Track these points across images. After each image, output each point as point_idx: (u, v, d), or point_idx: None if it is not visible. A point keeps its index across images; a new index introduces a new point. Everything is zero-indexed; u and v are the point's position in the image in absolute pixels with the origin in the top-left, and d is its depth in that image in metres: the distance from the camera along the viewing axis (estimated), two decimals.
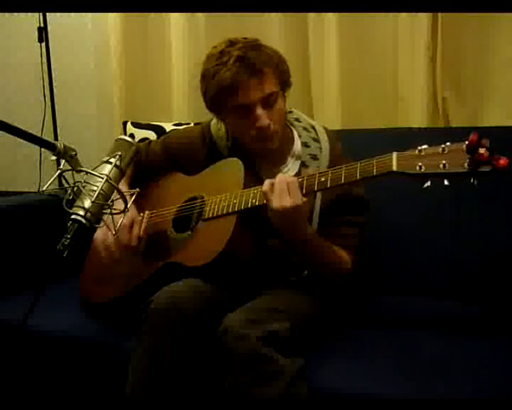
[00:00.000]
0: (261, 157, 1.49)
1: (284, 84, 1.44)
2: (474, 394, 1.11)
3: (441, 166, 1.09)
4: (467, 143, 1.07)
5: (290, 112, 1.57)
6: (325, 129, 1.54)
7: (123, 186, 1.51)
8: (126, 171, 1.09)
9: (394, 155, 1.16)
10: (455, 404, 1.10)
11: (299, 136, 1.51)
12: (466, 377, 1.16)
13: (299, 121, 1.54)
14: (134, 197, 1.11)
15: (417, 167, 1.12)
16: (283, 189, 1.25)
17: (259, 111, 1.37)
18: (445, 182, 1.10)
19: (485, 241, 1.59)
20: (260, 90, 1.37)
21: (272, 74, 1.39)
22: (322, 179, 1.26)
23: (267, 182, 1.28)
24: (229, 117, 1.44)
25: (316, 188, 1.26)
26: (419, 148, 1.13)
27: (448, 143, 1.11)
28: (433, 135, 1.75)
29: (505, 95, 1.82)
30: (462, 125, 1.86)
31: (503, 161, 1.05)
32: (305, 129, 1.52)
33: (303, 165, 1.46)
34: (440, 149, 1.11)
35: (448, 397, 1.11)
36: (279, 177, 1.28)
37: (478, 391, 1.12)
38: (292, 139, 1.51)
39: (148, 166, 1.63)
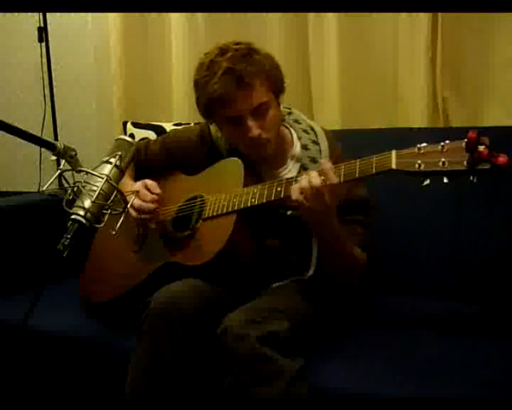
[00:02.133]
0: (261, 158, 1.49)
1: (277, 91, 1.43)
2: (473, 394, 1.11)
3: (440, 164, 1.09)
4: (466, 140, 1.07)
5: (290, 113, 1.57)
6: (324, 131, 1.53)
7: (128, 180, 1.51)
8: (126, 171, 1.09)
9: (393, 152, 1.16)
10: (455, 404, 1.10)
11: (299, 138, 1.50)
12: (466, 377, 1.16)
13: (299, 123, 1.54)
14: (134, 197, 1.11)
15: (416, 165, 1.12)
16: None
17: (250, 122, 1.37)
18: (445, 180, 1.10)
19: (485, 241, 1.59)
20: (249, 102, 1.36)
21: (262, 85, 1.37)
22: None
23: (296, 189, 1.25)
24: (222, 126, 1.46)
25: None
26: (418, 146, 1.13)
27: (447, 141, 1.11)
28: (433, 135, 1.73)
29: (505, 95, 1.81)
30: (462, 125, 1.86)
31: (502, 159, 1.05)
32: (304, 131, 1.51)
33: (303, 168, 1.45)
34: (440, 147, 1.11)
35: (448, 397, 1.11)
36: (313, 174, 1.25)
37: (478, 391, 1.11)
38: (291, 141, 1.51)
39: (146, 166, 1.63)
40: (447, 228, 1.64)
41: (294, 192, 1.25)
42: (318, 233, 1.34)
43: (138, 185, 1.51)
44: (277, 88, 1.42)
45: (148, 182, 1.51)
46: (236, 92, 1.35)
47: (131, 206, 1.44)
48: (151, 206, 1.47)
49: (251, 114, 1.37)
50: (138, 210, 1.47)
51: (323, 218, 1.26)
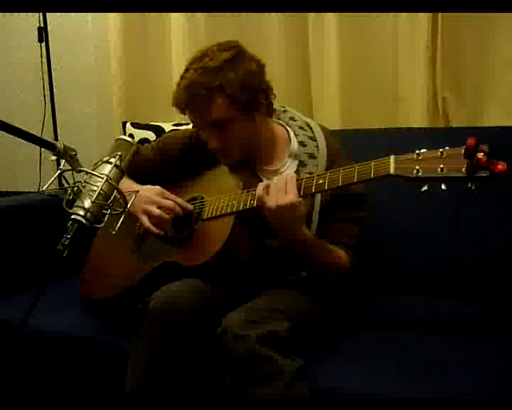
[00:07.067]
0: (259, 158, 1.49)
1: (245, 108, 1.39)
2: (473, 394, 1.11)
3: (439, 170, 1.09)
4: (465, 147, 1.06)
5: (284, 111, 1.57)
6: (321, 127, 1.53)
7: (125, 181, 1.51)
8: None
9: (392, 158, 1.16)
10: (455, 404, 1.10)
11: (296, 135, 1.50)
12: (466, 377, 1.16)
13: (295, 120, 1.54)
14: (134, 198, 1.11)
15: (414, 171, 1.11)
16: (281, 187, 1.25)
17: (205, 134, 1.42)
18: (443, 186, 1.10)
19: (485, 241, 1.59)
20: (205, 116, 1.39)
21: (223, 101, 1.36)
22: (320, 182, 1.26)
23: (261, 184, 1.29)
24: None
25: (313, 190, 1.26)
26: (417, 151, 1.13)
27: (447, 148, 1.10)
28: (433, 135, 1.75)
29: (505, 95, 1.81)
30: (462, 125, 1.86)
31: (500, 166, 1.03)
32: (301, 128, 1.51)
33: (301, 164, 1.45)
34: (438, 153, 1.11)
35: (448, 397, 1.11)
36: (278, 176, 1.29)
37: (478, 391, 1.12)
38: (288, 139, 1.51)
39: (140, 172, 1.57)
40: (447, 228, 1.64)
41: (258, 189, 1.28)
42: (282, 241, 1.34)
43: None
44: (245, 105, 1.39)
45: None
46: (193, 105, 1.38)
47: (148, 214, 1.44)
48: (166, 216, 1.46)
49: (209, 126, 1.40)
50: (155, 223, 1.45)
51: (287, 227, 1.28)
